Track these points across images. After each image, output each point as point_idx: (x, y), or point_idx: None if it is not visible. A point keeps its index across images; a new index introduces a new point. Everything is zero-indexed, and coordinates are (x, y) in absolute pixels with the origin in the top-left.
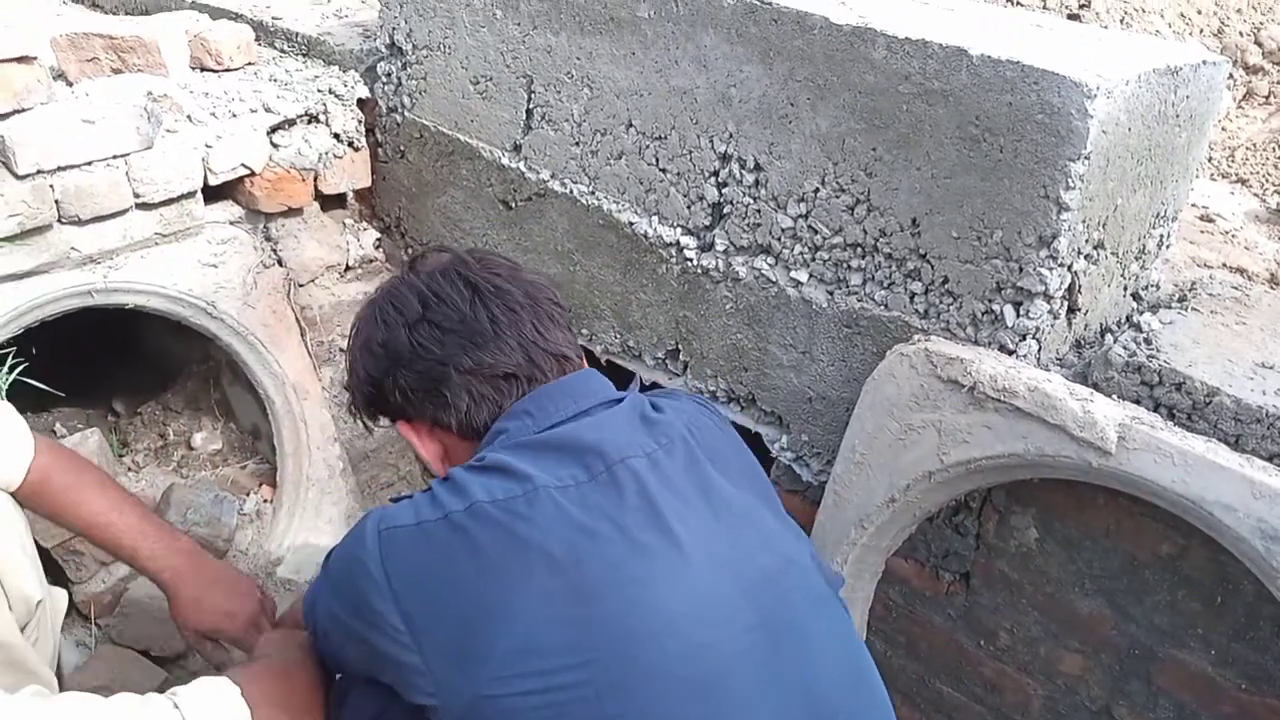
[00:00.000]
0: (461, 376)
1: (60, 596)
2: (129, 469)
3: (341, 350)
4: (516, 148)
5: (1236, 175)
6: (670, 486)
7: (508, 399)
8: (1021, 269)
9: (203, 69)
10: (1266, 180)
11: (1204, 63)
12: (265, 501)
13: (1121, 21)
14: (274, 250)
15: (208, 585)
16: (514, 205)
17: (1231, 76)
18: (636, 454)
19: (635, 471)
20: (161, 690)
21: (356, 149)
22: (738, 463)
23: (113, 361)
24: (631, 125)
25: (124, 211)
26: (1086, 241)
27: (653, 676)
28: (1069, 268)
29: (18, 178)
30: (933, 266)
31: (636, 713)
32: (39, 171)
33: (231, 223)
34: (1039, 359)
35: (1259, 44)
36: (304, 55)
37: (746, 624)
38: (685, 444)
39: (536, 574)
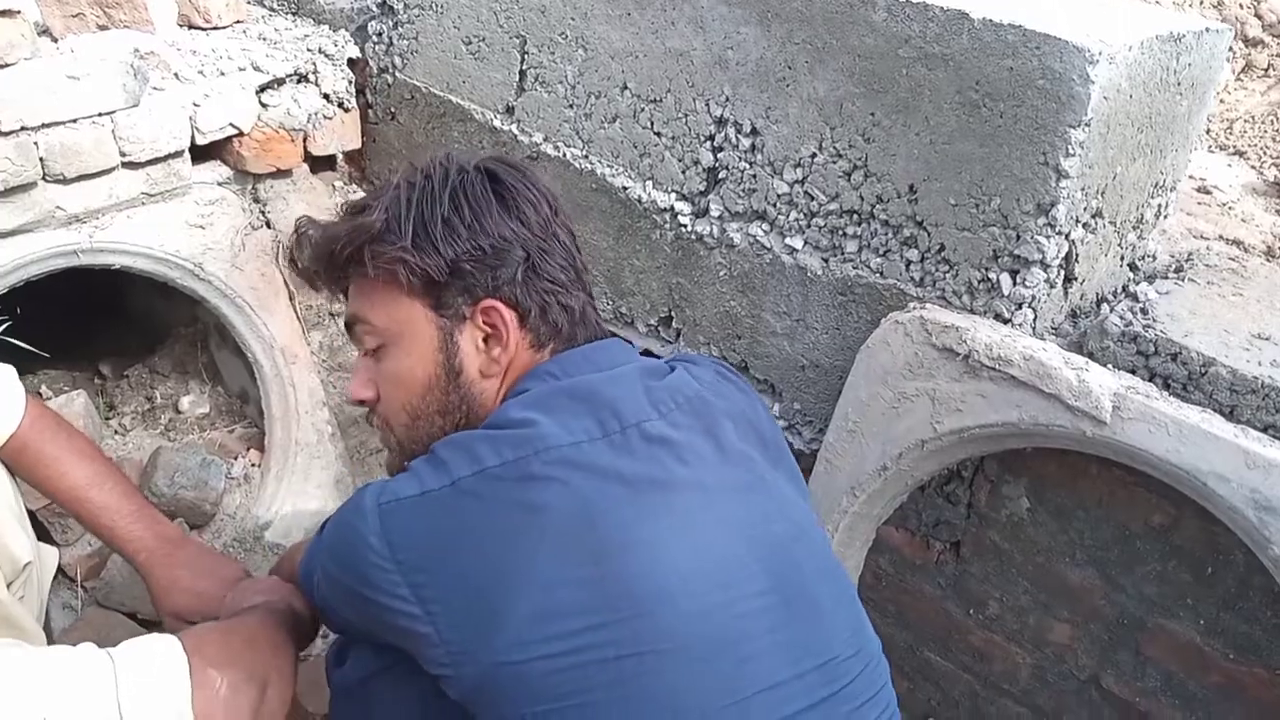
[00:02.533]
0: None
1: (50, 553)
2: (116, 432)
3: (331, 314)
4: (509, 110)
5: (1234, 147)
6: (685, 448)
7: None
8: (1019, 237)
9: (190, 26)
10: (1264, 153)
11: (1207, 30)
12: (253, 465)
13: None
14: (262, 212)
15: (180, 567)
16: None
17: (1231, 49)
18: (651, 415)
19: (649, 433)
20: None
21: (346, 110)
22: (757, 427)
23: (99, 323)
24: (626, 88)
25: (110, 170)
26: (1085, 210)
27: (669, 636)
28: (1067, 236)
29: (1, 134)
30: (929, 234)
31: (654, 673)
32: (23, 128)
33: (219, 183)
34: (1034, 328)
35: (1259, 16)
36: (293, 14)
37: (759, 587)
38: (704, 405)
39: (549, 536)
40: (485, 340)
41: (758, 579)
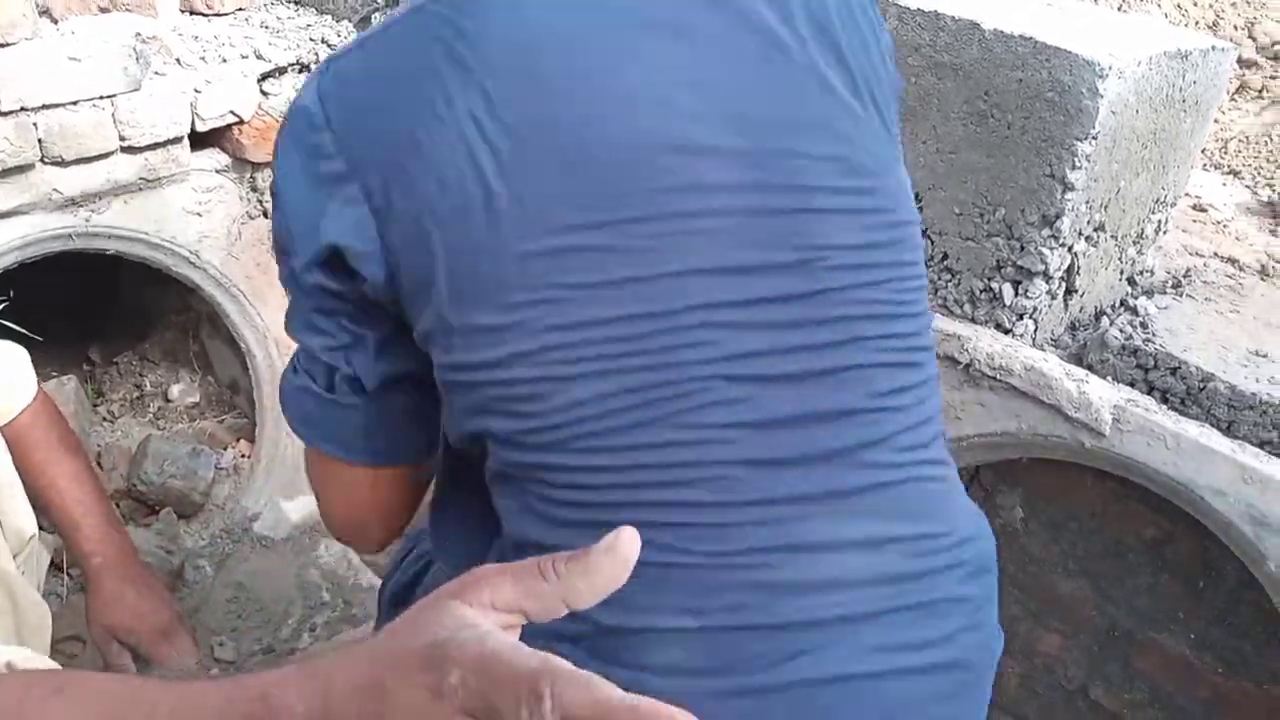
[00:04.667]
0: None
1: (48, 539)
2: (104, 419)
3: None
4: None
5: (1229, 167)
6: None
7: None
8: (1023, 248)
9: (192, 12)
10: (1258, 173)
11: (1212, 49)
12: (243, 456)
13: (1119, 9)
14: (260, 201)
15: (129, 583)
16: None
17: None
18: None
19: None
20: None
21: None
22: (844, 38)
23: (89, 310)
24: None
25: (109, 154)
26: (1088, 223)
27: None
28: (1069, 248)
29: (0, 114)
30: (933, 242)
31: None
32: (22, 109)
33: (218, 171)
34: (1035, 339)
35: (1253, 38)
36: (296, 2)
37: (734, 179)
38: None
39: (475, 75)
40: None
41: (734, 170)
